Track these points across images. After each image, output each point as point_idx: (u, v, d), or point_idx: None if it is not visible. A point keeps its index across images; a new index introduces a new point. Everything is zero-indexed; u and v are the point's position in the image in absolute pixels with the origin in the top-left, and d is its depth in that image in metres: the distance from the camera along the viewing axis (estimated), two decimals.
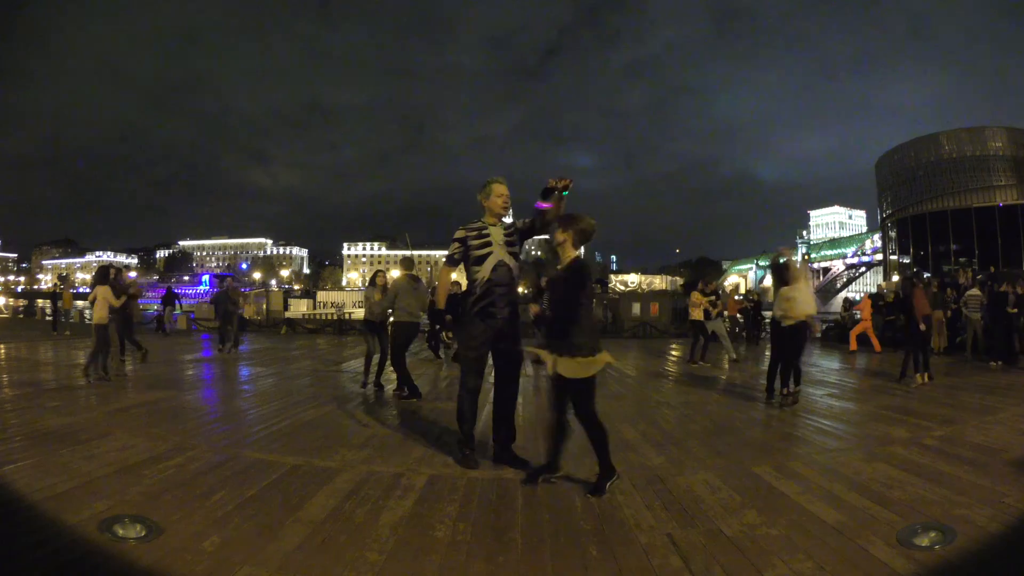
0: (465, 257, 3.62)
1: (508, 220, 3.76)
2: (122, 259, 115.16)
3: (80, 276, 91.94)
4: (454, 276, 4.49)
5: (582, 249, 3.33)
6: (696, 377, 7.95)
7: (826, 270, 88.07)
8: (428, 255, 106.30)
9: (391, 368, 6.31)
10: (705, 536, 2.54)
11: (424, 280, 6.78)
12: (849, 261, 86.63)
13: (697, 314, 9.55)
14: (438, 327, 9.87)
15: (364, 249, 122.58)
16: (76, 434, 4.14)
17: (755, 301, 15.26)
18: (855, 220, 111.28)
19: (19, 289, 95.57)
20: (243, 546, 2.37)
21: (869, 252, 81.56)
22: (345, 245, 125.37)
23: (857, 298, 17.73)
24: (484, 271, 3.54)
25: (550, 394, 3.25)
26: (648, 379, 7.81)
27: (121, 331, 7.64)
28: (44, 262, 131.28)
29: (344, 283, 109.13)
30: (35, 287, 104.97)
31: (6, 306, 32.54)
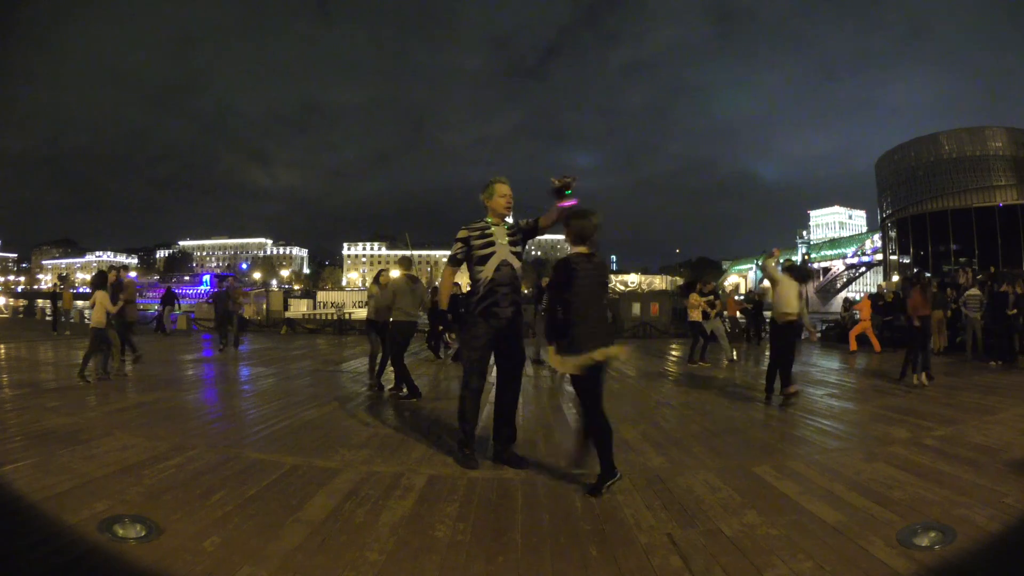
0: (468, 257, 3.62)
1: (509, 220, 3.75)
2: (122, 259, 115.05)
3: (80, 276, 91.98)
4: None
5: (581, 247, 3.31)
6: (696, 377, 7.95)
7: (826, 270, 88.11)
8: (428, 255, 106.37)
9: (391, 368, 6.32)
10: (705, 536, 2.54)
11: (424, 280, 6.78)
12: (849, 261, 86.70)
13: (696, 315, 9.54)
14: (441, 327, 9.89)
15: (364, 249, 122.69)
16: (76, 434, 4.14)
17: (756, 301, 15.24)
18: (855, 220, 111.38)
19: (19, 289, 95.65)
20: (243, 546, 2.37)
21: (869, 252, 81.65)
22: (345, 245, 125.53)
23: (857, 298, 17.70)
24: (487, 271, 3.54)
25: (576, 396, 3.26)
26: (648, 379, 7.80)
27: (121, 332, 7.65)
28: (44, 262, 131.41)
29: (344, 283, 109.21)
30: (35, 287, 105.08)
31: (6, 306, 32.53)
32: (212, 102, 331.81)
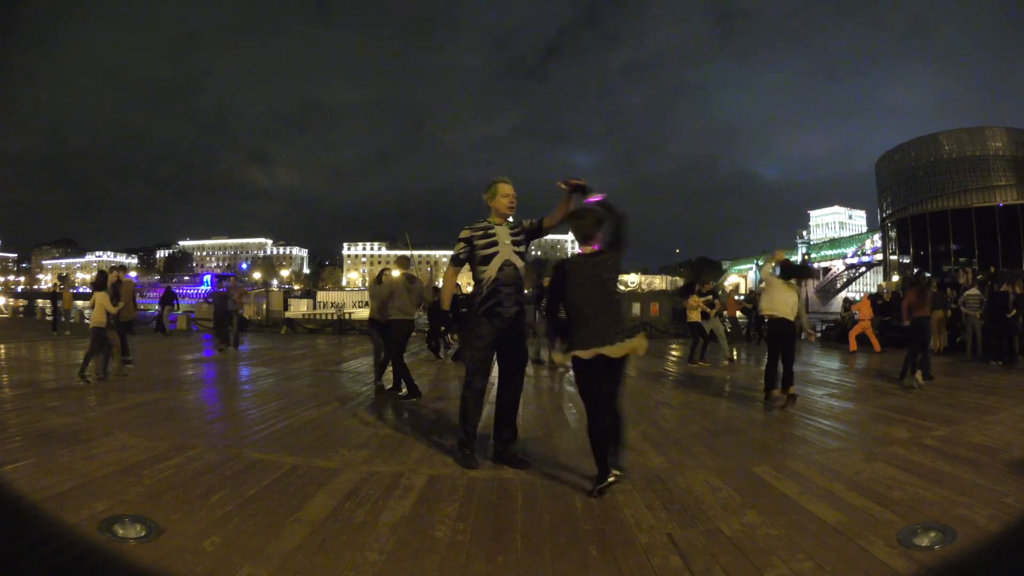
0: (471, 257, 3.61)
1: (510, 220, 3.75)
2: (122, 259, 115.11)
3: (80, 276, 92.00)
4: None
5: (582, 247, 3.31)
6: (696, 377, 7.95)
7: (826, 270, 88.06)
8: (428, 255, 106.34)
9: (391, 368, 6.31)
10: (705, 536, 2.54)
11: (424, 280, 6.78)
12: (849, 261, 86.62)
13: (695, 316, 9.54)
14: (443, 328, 9.88)
15: (364, 249, 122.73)
16: (76, 434, 4.14)
17: (756, 301, 15.23)
18: (855, 220, 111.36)
19: (19, 289, 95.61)
20: (243, 546, 2.37)
21: (869, 252, 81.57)
22: (345, 245, 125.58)
23: (857, 298, 17.68)
24: (491, 271, 3.53)
25: None
26: (648, 379, 7.80)
27: (121, 332, 7.65)
28: (44, 262, 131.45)
29: (344, 283, 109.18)
30: (35, 287, 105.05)
31: (6, 306, 32.54)
32: (212, 102, 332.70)
